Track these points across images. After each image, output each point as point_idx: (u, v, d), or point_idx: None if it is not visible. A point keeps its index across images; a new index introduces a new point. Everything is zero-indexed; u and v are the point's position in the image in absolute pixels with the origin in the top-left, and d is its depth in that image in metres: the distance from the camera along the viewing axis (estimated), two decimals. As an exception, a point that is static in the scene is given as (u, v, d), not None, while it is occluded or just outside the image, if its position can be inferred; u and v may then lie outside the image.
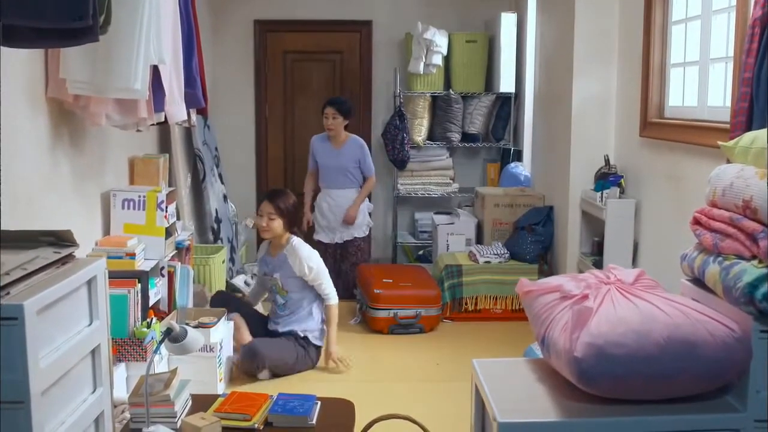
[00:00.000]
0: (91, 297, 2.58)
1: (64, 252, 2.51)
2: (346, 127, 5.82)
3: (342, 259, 5.97)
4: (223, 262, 5.23)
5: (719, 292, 2.09)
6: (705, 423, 1.99)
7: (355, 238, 5.90)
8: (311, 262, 4.51)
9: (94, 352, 2.59)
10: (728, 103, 3.53)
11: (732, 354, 1.97)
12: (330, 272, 4.77)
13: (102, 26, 2.73)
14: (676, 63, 4.22)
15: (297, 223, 4.67)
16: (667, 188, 4.15)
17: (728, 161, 2.52)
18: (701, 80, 3.86)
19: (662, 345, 1.96)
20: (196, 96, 3.84)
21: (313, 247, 4.73)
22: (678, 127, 4.01)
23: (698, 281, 2.29)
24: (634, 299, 2.08)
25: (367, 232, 6.02)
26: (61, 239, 2.57)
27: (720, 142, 2.41)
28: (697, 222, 2.31)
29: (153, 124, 3.80)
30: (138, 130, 3.85)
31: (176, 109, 3.63)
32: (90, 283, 2.56)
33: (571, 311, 2.08)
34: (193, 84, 3.78)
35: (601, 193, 4.69)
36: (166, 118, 3.70)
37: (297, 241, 4.55)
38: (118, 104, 3.43)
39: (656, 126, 4.30)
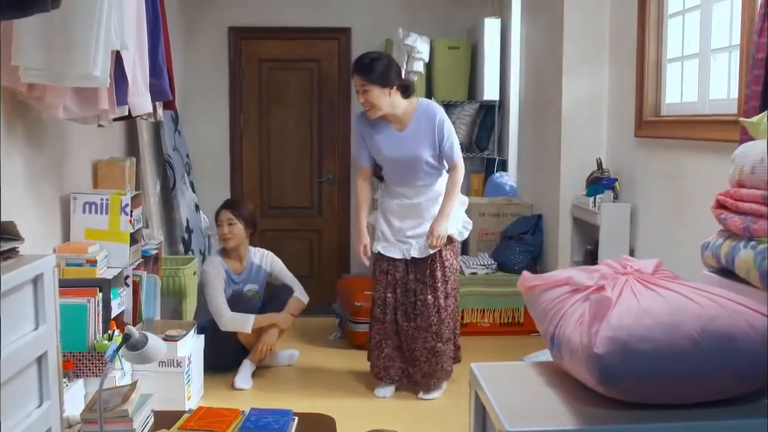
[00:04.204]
0: (37, 298, 2.28)
1: (6, 246, 2.22)
2: (404, 95, 3.95)
3: (419, 289, 4.00)
4: (194, 274, 4.92)
5: (754, 280, 1.84)
6: (742, 430, 1.72)
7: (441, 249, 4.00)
8: (277, 259, 4.74)
9: (40, 361, 2.29)
10: (733, 95, 3.33)
11: (776, 348, 1.71)
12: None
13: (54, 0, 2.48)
14: (672, 58, 4.02)
15: (256, 227, 4.70)
16: (665, 189, 3.93)
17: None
18: (701, 73, 3.65)
19: (695, 339, 1.70)
20: (162, 87, 3.55)
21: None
22: (677, 123, 3.80)
23: (724, 272, 2.04)
24: (658, 289, 1.82)
25: (465, 236, 4.20)
26: (3, 233, 2.27)
27: (742, 119, 2.18)
28: (721, 205, 2.07)
29: (116, 119, 3.51)
30: (99, 125, 3.56)
31: (140, 101, 3.34)
32: (36, 282, 2.27)
33: (588, 302, 1.82)
34: (158, 74, 3.50)
35: (594, 198, 4.46)
36: (130, 112, 3.42)
37: (257, 249, 4.72)
38: (77, 94, 3.14)
39: (652, 124, 4.09)
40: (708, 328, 1.71)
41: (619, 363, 1.69)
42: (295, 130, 6.61)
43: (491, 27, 6.10)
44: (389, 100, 3.89)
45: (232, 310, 4.37)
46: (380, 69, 3.86)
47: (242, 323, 4.29)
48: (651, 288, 1.83)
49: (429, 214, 4.03)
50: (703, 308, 1.74)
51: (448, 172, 4.08)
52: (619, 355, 1.69)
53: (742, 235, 1.94)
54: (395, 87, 3.90)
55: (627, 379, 1.70)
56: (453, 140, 3.98)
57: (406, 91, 3.98)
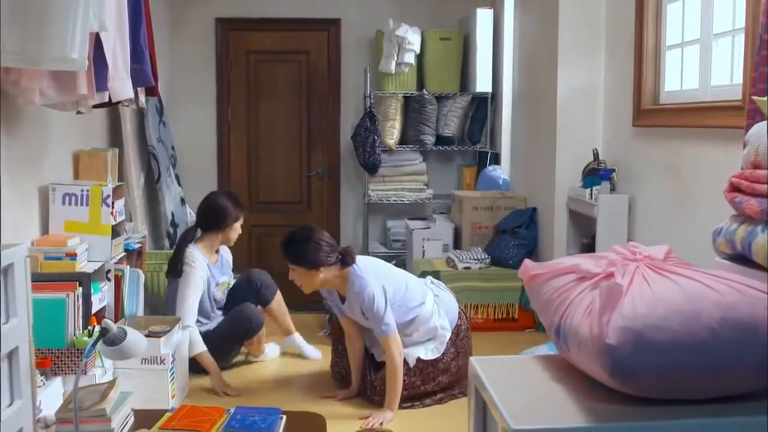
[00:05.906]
0: (7, 289, 2.14)
1: (-27, 234, 2.08)
2: (342, 265, 3.65)
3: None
4: (180, 269, 4.77)
5: (773, 266, 1.73)
6: (764, 427, 1.60)
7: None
8: None
9: (11, 357, 2.15)
10: (736, 80, 3.22)
11: (801, 338, 1.59)
12: None
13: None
14: (672, 45, 3.91)
15: None
16: (664, 179, 3.82)
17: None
18: (703, 59, 3.54)
19: (715, 328, 1.57)
20: (144, 72, 3.41)
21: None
22: (677, 111, 3.69)
23: (738, 258, 1.92)
24: (672, 276, 1.70)
25: (428, 356, 3.80)
26: (-29, 220, 2.14)
27: (755, 98, 2.06)
28: (735, 188, 1.95)
29: (96, 106, 3.37)
30: (79, 112, 3.41)
31: (121, 86, 3.20)
32: (6, 272, 2.13)
33: (598, 290, 1.69)
34: (140, 58, 3.35)
35: (591, 190, 4.35)
36: (111, 99, 3.27)
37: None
38: (54, 78, 3.00)
39: (651, 113, 3.98)
40: (728, 317, 1.59)
41: (632, 355, 1.57)
42: (284, 123, 6.48)
43: (484, 17, 6.00)
44: (320, 279, 3.61)
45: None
46: (309, 254, 3.57)
47: (192, 346, 3.97)
48: (664, 275, 1.71)
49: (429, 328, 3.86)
50: (723, 296, 1.62)
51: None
52: (633, 347, 1.57)
53: (759, 219, 1.82)
54: (325, 265, 3.60)
55: (641, 372, 1.57)
56: (376, 314, 3.56)
57: (344, 261, 3.64)
